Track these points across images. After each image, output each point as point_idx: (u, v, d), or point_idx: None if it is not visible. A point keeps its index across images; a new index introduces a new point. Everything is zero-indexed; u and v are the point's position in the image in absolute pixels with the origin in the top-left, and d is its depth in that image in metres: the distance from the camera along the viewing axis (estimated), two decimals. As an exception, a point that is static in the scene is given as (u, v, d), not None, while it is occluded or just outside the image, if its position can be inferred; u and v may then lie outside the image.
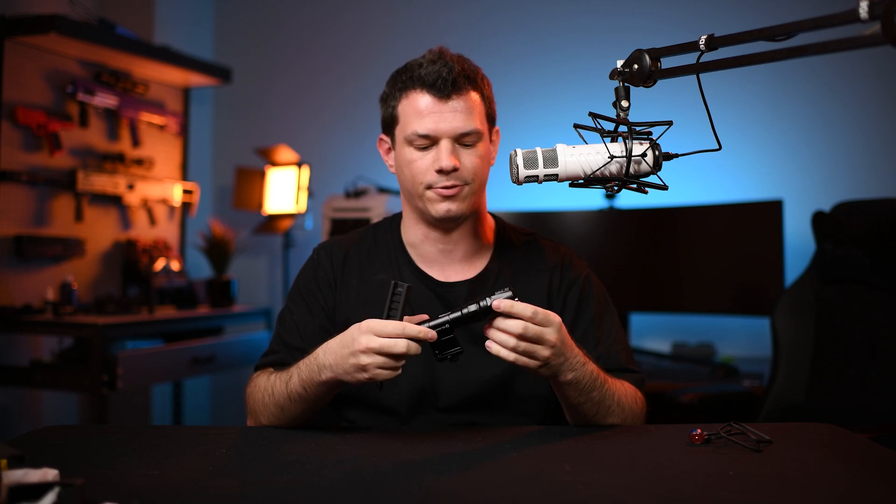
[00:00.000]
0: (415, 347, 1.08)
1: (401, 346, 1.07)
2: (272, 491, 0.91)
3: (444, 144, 1.30)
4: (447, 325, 1.12)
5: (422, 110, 1.31)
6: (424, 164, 1.31)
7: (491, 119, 1.38)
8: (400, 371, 1.10)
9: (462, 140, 1.31)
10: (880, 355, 1.99)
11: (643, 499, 0.88)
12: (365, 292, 1.38)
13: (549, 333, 1.12)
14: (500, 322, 1.11)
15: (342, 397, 1.38)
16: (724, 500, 0.87)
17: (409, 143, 1.32)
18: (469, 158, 1.31)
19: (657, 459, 1.05)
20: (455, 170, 1.29)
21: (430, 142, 1.31)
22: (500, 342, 1.11)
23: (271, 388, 1.27)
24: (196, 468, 1.00)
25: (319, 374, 1.17)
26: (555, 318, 1.13)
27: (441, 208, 1.32)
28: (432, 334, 1.09)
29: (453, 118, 1.30)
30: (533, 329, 1.10)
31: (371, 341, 1.08)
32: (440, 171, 1.29)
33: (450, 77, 1.29)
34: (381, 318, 1.10)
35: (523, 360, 1.12)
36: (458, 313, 1.12)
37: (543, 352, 1.12)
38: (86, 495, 0.78)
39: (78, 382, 2.47)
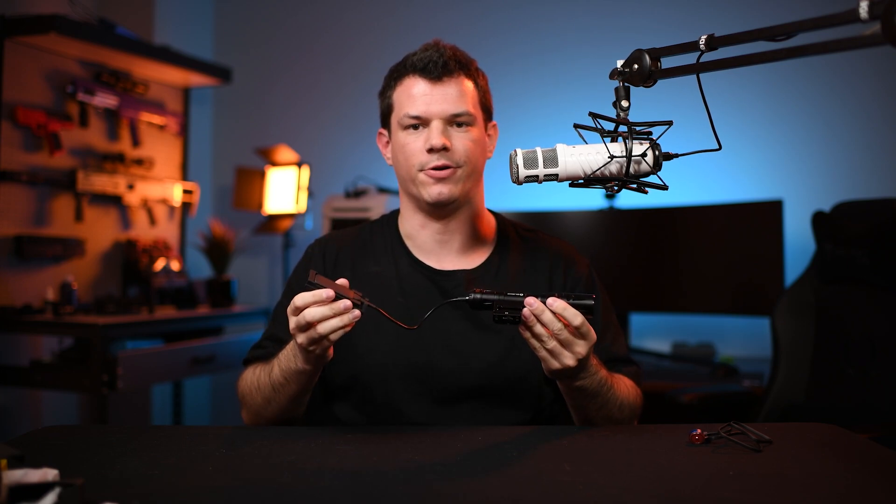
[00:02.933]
0: (321, 310, 1.07)
1: (314, 314, 1.07)
2: (272, 491, 0.91)
3: (435, 125, 1.32)
4: (487, 301, 1.13)
5: (413, 94, 1.33)
6: (417, 146, 1.33)
7: (486, 109, 1.40)
8: (345, 323, 1.08)
9: (454, 122, 1.33)
10: (880, 355, 1.99)
11: (643, 499, 0.88)
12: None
13: (582, 346, 1.13)
14: (543, 316, 1.11)
15: (337, 393, 1.39)
16: (724, 500, 0.87)
17: (403, 127, 1.35)
18: (461, 141, 1.33)
19: (657, 459, 1.05)
20: (445, 149, 1.31)
21: (422, 124, 1.33)
22: (537, 335, 1.12)
23: (257, 381, 1.30)
24: (196, 468, 1.00)
25: (295, 362, 1.20)
26: (593, 335, 1.14)
27: (433, 191, 1.33)
28: (327, 293, 1.07)
29: (444, 100, 1.32)
30: (566, 336, 1.11)
31: (290, 322, 1.10)
32: (431, 150, 1.31)
33: (440, 61, 1.32)
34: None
35: (544, 353, 1.13)
36: (502, 295, 1.13)
37: (568, 360, 1.13)
38: (86, 495, 0.78)
39: (78, 382, 2.47)
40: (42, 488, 0.77)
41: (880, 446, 1.10)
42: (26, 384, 2.59)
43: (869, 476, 0.98)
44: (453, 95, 1.33)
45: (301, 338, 1.11)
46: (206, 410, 3.63)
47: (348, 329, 1.10)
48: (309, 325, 1.08)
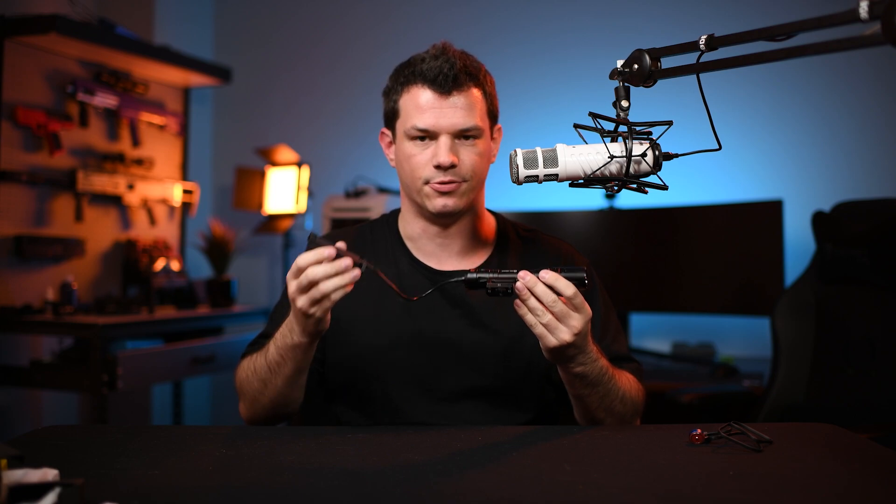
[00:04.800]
0: (323, 268, 1.07)
1: (316, 272, 1.07)
2: (272, 491, 0.91)
3: (443, 140, 1.30)
4: (482, 279, 1.14)
5: (422, 105, 1.31)
6: (423, 159, 1.32)
7: (493, 116, 1.39)
8: (346, 282, 1.08)
9: (462, 136, 1.32)
10: (880, 355, 1.99)
11: (643, 499, 0.88)
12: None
13: (577, 319, 1.13)
14: (537, 289, 1.11)
15: (337, 393, 1.39)
16: (724, 500, 0.87)
17: (409, 137, 1.33)
18: (468, 155, 1.32)
19: (657, 459, 1.05)
20: (453, 166, 1.30)
21: (429, 137, 1.32)
22: (532, 308, 1.12)
23: (253, 365, 1.30)
24: (196, 468, 1.00)
25: (291, 336, 1.19)
26: (588, 310, 1.14)
27: (438, 203, 1.32)
28: (329, 251, 1.07)
29: (453, 114, 1.30)
30: (561, 307, 1.11)
31: (291, 286, 1.10)
32: (438, 167, 1.30)
33: (451, 73, 1.30)
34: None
35: (541, 329, 1.13)
36: (496, 273, 1.14)
37: (565, 335, 1.12)
38: (86, 495, 0.78)
39: (78, 382, 2.47)
40: (42, 488, 0.77)
41: (880, 446, 1.10)
42: (26, 384, 2.59)
43: (869, 476, 0.98)
44: (463, 109, 1.31)
45: (302, 300, 1.10)
46: (206, 410, 3.63)
47: (349, 289, 1.09)
48: (311, 285, 1.08)
